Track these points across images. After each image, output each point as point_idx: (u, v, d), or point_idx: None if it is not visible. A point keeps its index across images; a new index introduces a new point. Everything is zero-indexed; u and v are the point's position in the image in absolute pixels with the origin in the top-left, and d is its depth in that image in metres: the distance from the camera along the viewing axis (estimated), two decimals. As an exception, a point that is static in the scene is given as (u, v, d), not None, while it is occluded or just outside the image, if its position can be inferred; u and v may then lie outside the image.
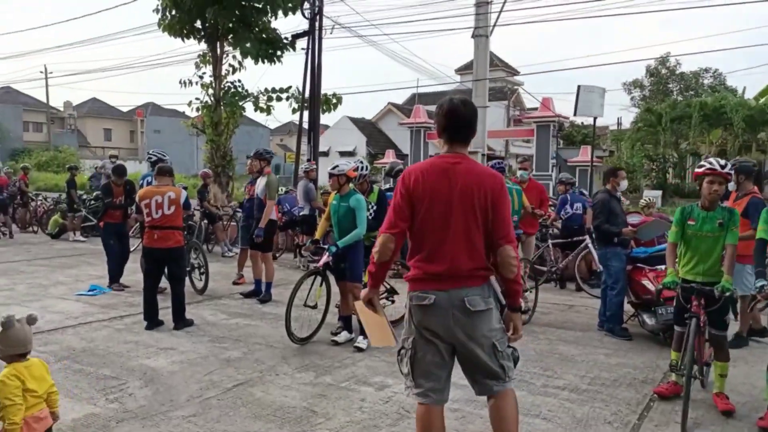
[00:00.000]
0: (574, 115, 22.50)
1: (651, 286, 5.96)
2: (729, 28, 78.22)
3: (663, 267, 6.07)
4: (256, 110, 15.36)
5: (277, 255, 10.88)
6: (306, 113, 15.11)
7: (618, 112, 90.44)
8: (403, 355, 3.08)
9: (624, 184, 6.34)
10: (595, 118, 21.98)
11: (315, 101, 14.51)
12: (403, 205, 2.94)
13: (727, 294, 4.03)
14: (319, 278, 5.95)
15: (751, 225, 5.23)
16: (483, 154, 13.14)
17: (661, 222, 6.60)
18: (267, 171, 7.87)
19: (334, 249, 5.71)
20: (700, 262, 4.31)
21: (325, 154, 29.78)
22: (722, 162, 4.24)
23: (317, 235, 6.30)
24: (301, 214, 10.51)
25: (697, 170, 4.34)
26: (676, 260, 4.49)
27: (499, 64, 38.37)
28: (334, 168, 5.78)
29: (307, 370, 5.16)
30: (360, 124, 39.09)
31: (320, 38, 15.05)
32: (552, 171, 22.79)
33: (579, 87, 20.97)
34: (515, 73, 38.92)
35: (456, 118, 2.94)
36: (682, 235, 4.39)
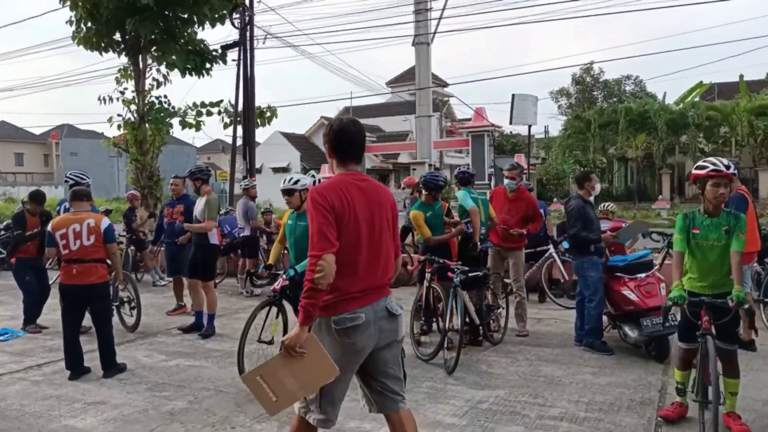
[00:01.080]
0: (510, 123, 22.66)
1: (633, 296, 5.61)
2: (647, 37, 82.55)
3: (643, 275, 5.76)
4: (183, 127, 14.44)
5: (217, 282, 9.99)
6: (240, 128, 14.30)
7: (546, 120, 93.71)
8: None
9: (598, 188, 6.00)
10: (529, 126, 22.24)
11: (249, 115, 13.74)
12: (332, 222, 2.77)
13: (747, 306, 3.64)
14: (274, 309, 5.25)
15: None
16: (430, 164, 12.74)
17: (642, 222, 6.29)
18: (206, 191, 7.16)
19: (291, 272, 5.02)
20: (709, 273, 3.88)
21: (258, 171, 28.83)
22: (725, 162, 3.81)
23: (270, 259, 5.62)
24: (241, 235, 9.72)
25: (697, 172, 3.86)
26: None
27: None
28: (295, 183, 5.12)
29: (267, 419, 4.42)
30: (293, 139, 38.23)
31: (252, 49, 14.36)
32: (490, 180, 22.78)
33: (513, 96, 21.09)
34: (445, 84, 39.23)
35: (348, 137, 2.93)
36: (687, 244, 3.95)
